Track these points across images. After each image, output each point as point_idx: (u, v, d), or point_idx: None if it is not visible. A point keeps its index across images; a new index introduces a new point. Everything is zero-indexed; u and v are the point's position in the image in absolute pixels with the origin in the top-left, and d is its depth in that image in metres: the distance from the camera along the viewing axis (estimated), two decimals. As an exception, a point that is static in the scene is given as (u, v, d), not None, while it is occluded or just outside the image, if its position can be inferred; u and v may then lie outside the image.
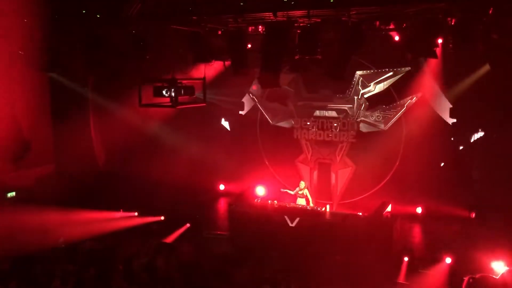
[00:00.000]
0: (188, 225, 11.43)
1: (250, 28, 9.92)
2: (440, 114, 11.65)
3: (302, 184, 11.63)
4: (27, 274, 7.61)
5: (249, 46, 10.08)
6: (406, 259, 9.39)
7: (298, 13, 8.45)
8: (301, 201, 11.47)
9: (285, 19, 8.52)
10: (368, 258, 9.61)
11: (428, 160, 11.82)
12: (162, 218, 11.80)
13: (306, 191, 11.56)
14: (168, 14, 9.05)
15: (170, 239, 10.81)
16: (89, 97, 13.69)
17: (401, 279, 8.93)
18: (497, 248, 8.94)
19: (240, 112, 13.94)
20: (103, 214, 11.67)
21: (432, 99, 11.72)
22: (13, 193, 12.18)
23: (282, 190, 11.70)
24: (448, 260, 9.20)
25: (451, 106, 11.52)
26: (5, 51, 11.25)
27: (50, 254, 8.56)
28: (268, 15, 8.59)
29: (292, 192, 11.54)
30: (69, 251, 8.90)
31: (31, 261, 8.01)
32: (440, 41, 9.10)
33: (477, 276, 7.49)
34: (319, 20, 8.66)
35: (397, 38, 9.87)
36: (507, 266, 8.23)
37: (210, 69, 11.43)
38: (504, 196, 10.80)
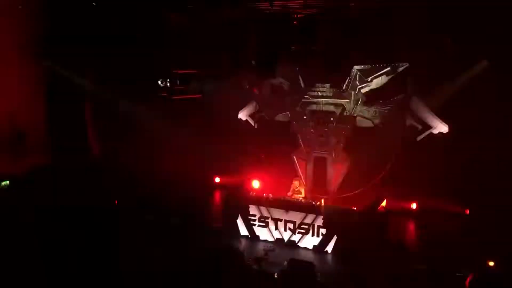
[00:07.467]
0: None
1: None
2: (436, 111, 11.57)
3: (296, 183, 11.58)
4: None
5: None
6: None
7: (295, 3, 8.39)
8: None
9: (281, 9, 8.46)
10: (362, 252, 9.57)
11: (424, 156, 11.74)
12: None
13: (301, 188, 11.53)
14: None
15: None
16: (85, 88, 13.60)
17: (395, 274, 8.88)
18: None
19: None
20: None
21: (428, 95, 11.64)
22: (7, 182, 12.12)
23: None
24: None
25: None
26: (0, 40, 11.15)
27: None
28: (265, 6, 8.53)
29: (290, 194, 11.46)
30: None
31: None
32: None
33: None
34: (316, 11, 8.60)
35: (395, 32, 9.78)
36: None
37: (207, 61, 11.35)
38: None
